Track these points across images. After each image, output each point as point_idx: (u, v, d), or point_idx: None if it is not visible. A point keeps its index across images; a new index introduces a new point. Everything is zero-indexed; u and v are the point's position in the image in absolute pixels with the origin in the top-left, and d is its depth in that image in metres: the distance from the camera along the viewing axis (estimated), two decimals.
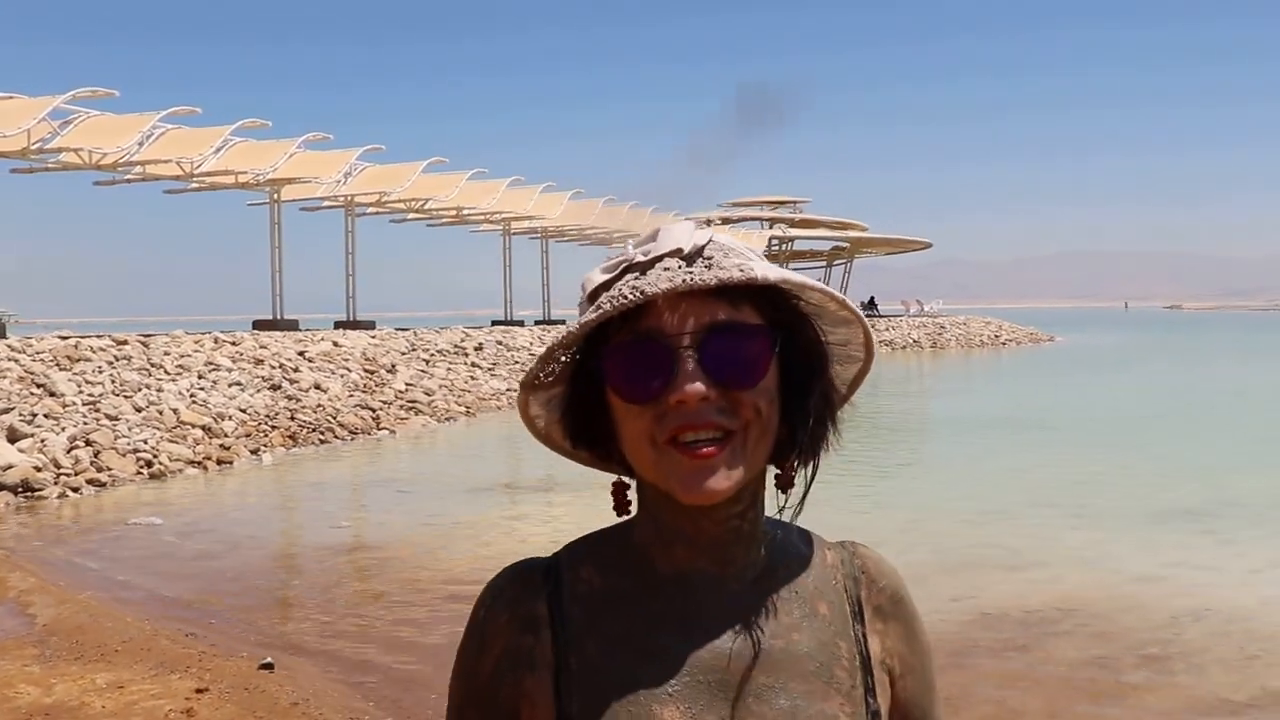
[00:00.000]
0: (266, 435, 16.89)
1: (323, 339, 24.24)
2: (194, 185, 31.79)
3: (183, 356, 19.02)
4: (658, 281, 0.92)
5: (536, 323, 41.54)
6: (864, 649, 1.02)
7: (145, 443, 14.50)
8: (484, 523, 11.04)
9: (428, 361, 25.22)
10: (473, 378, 25.22)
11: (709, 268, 0.93)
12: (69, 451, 13.52)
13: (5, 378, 15.30)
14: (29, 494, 12.28)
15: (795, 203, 71.69)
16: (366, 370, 22.28)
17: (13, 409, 14.12)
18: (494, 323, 39.36)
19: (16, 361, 16.17)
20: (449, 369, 25.21)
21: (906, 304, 71.97)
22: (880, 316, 63.15)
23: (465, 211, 39.90)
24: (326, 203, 35.94)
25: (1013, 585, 8.08)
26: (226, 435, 16.10)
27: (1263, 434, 17.46)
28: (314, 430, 17.85)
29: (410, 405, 21.18)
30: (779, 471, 1.03)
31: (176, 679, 5.81)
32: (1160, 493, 11.92)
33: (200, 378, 18.16)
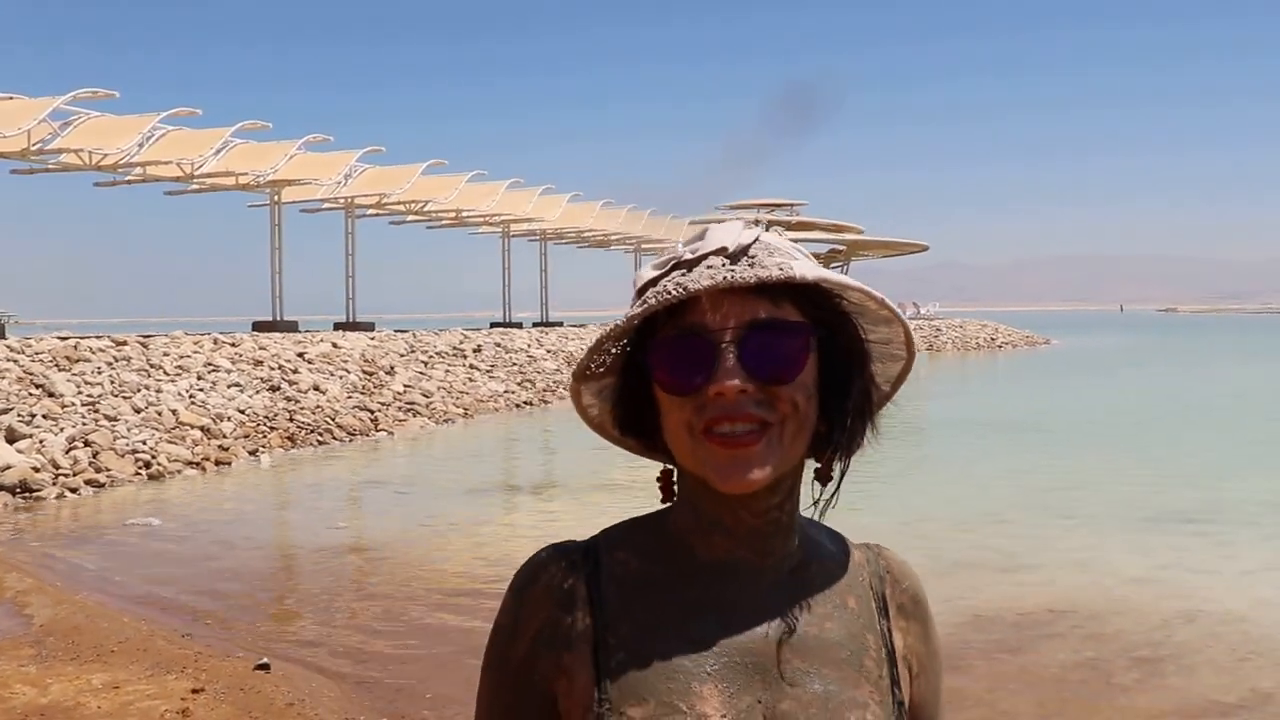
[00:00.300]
0: (265, 436, 16.91)
1: (322, 340, 24.26)
2: (194, 187, 31.80)
3: (182, 357, 19.05)
4: (700, 279, 0.96)
5: (535, 324, 41.56)
6: (889, 643, 1.06)
7: (144, 443, 14.53)
8: (481, 524, 11.06)
9: (426, 363, 25.25)
10: (471, 379, 25.25)
11: (751, 266, 0.97)
12: (67, 452, 13.54)
13: (4, 378, 15.32)
14: (27, 494, 12.30)
15: (792, 205, 71.79)
16: (365, 372, 22.31)
17: (11, 409, 14.14)
18: (492, 324, 39.39)
19: (15, 362, 16.20)
20: (447, 371, 25.24)
21: (903, 306, 71.93)
22: None
23: (465, 213, 39.93)
24: (326, 204, 35.96)
25: (1006, 587, 8.12)
26: (225, 436, 16.13)
27: (1257, 436, 17.50)
28: (312, 431, 17.88)
29: (409, 407, 21.22)
30: (819, 465, 1.06)
31: (172, 679, 5.84)
32: (1154, 495, 11.96)
33: (199, 379, 18.19)
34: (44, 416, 14.37)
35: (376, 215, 38.97)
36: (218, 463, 15.16)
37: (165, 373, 17.92)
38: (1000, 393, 30.27)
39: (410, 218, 40.01)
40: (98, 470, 13.45)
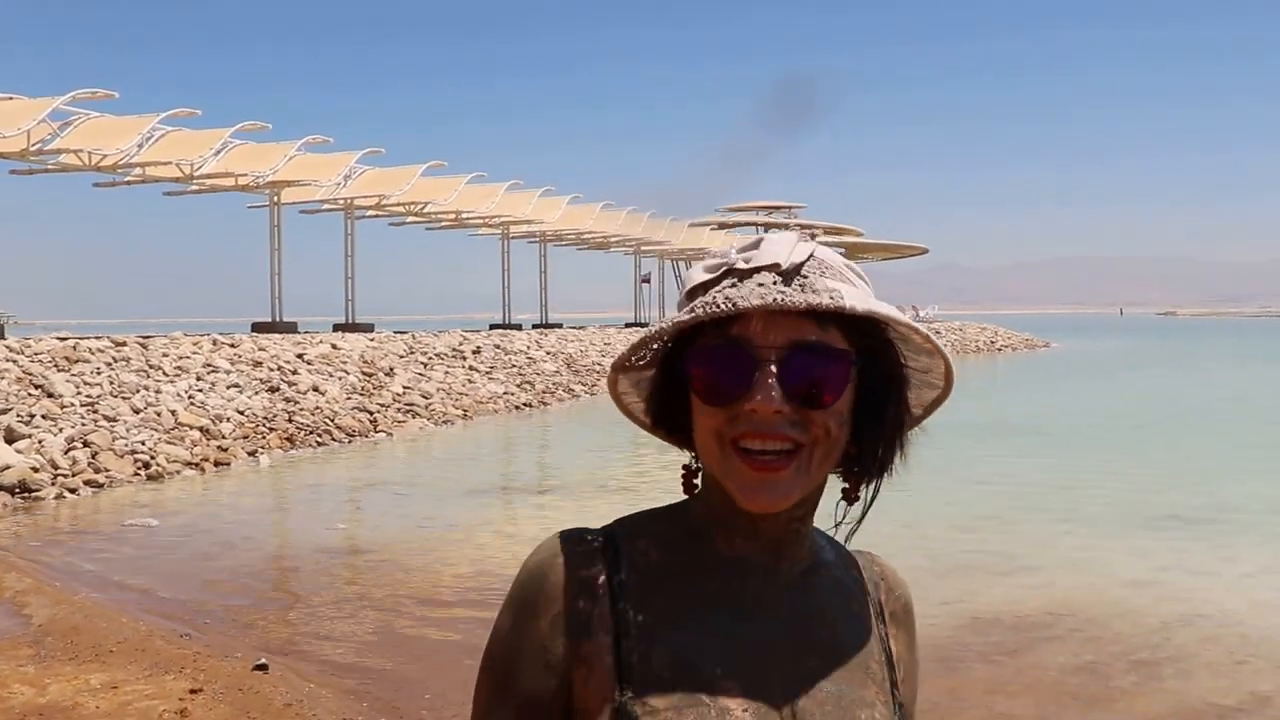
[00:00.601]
0: (264, 437, 16.91)
1: (321, 341, 24.26)
2: (194, 187, 31.78)
3: (181, 358, 19.05)
4: (750, 296, 0.96)
5: (534, 326, 41.55)
6: (888, 647, 1.09)
7: (143, 444, 14.53)
8: (480, 525, 11.07)
9: (425, 364, 25.25)
10: (470, 381, 25.25)
11: (803, 290, 0.97)
12: (66, 452, 13.55)
13: (3, 378, 15.33)
14: (26, 494, 12.29)
15: (790, 208, 71.83)
16: (364, 373, 22.31)
17: (11, 410, 14.14)
18: (492, 326, 39.39)
19: (15, 362, 16.20)
20: (447, 372, 25.24)
21: (902, 309, 71.93)
22: None
23: (464, 215, 39.93)
24: (326, 205, 35.96)
25: (1004, 590, 8.12)
26: (224, 437, 16.12)
27: (1255, 440, 17.52)
28: (311, 432, 17.88)
29: (408, 408, 21.22)
30: (846, 485, 1.08)
31: (171, 680, 5.83)
32: (1153, 498, 11.97)
33: (198, 379, 18.19)
34: (43, 417, 14.37)
35: (376, 216, 38.97)
36: (217, 463, 15.16)
37: (164, 373, 17.92)
38: (1000, 396, 30.26)
39: (410, 219, 40.02)
40: (97, 471, 13.45)
